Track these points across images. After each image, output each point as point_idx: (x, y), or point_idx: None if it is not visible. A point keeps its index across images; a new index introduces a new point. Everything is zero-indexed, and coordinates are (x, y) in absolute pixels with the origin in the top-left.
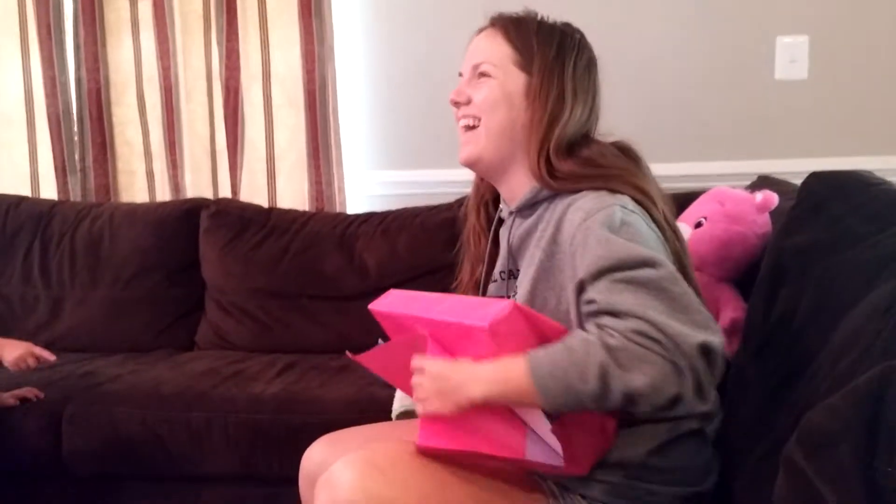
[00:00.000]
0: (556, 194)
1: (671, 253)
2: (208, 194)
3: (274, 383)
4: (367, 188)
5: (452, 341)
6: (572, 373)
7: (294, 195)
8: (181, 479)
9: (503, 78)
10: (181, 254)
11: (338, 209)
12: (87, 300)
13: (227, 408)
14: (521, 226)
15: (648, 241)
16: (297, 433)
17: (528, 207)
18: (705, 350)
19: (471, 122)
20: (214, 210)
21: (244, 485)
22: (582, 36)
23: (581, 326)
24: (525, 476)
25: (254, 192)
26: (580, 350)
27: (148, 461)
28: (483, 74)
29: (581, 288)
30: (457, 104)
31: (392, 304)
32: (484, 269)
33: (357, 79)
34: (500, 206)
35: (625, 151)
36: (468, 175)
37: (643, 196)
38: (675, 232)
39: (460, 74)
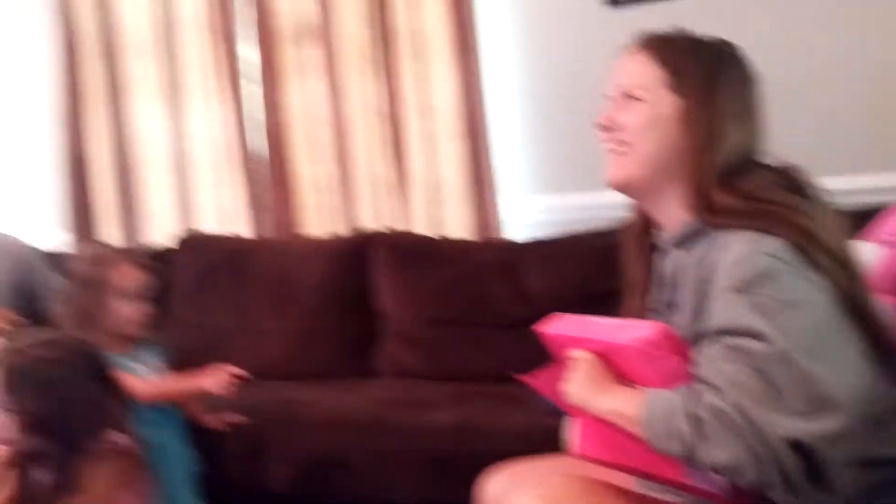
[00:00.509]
0: (713, 228)
1: (838, 294)
2: (379, 226)
3: (451, 412)
4: (531, 214)
5: (611, 360)
6: (663, 429)
7: (458, 225)
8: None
9: (654, 102)
10: (357, 285)
11: (503, 237)
12: (277, 330)
13: (410, 435)
14: (680, 256)
15: (792, 296)
16: (475, 461)
17: (687, 240)
18: (796, 445)
19: (619, 148)
20: (387, 242)
21: None
22: (738, 52)
23: None
24: None
25: (420, 223)
26: (672, 409)
27: (339, 484)
28: (632, 98)
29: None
30: (604, 129)
31: (556, 326)
32: (643, 296)
33: (516, 106)
34: (658, 232)
35: (791, 179)
36: None
37: (805, 238)
38: (848, 267)
39: (607, 97)
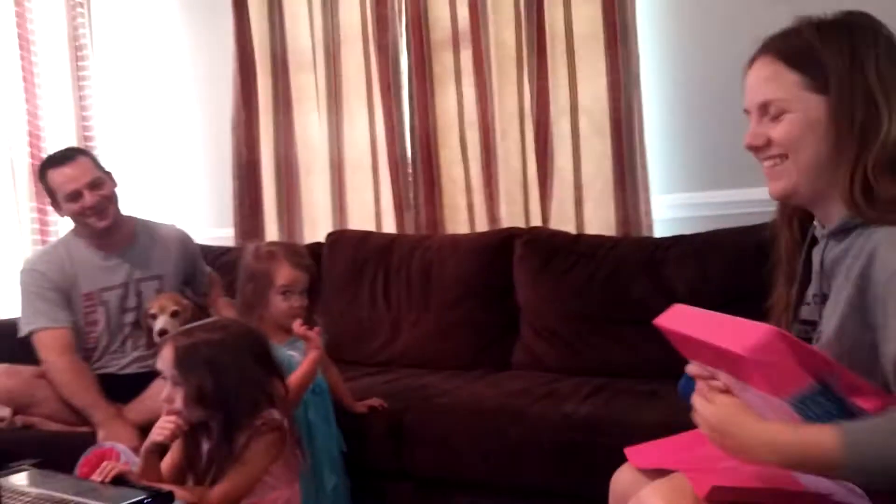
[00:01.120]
0: (875, 221)
1: None
2: (521, 223)
3: (584, 404)
4: (673, 211)
5: (725, 363)
6: (878, 465)
7: (601, 221)
8: (499, 489)
9: (798, 108)
10: (498, 279)
11: (644, 233)
12: (420, 321)
13: (541, 425)
14: (835, 248)
15: None
16: (605, 455)
17: (842, 232)
18: None
19: (777, 163)
20: (527, 238)
21: (557, 500)
22: (870, 20)
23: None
24: None
25: (563, 220)
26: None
27: (472, 470)
28: (777, 112)
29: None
30: (755, 148)
31: (673, 319)
32: (797, 289)
33: (660, 102)
34: (815, 222)
35: None
36: None
37: None
38: None
39: (746, 112)
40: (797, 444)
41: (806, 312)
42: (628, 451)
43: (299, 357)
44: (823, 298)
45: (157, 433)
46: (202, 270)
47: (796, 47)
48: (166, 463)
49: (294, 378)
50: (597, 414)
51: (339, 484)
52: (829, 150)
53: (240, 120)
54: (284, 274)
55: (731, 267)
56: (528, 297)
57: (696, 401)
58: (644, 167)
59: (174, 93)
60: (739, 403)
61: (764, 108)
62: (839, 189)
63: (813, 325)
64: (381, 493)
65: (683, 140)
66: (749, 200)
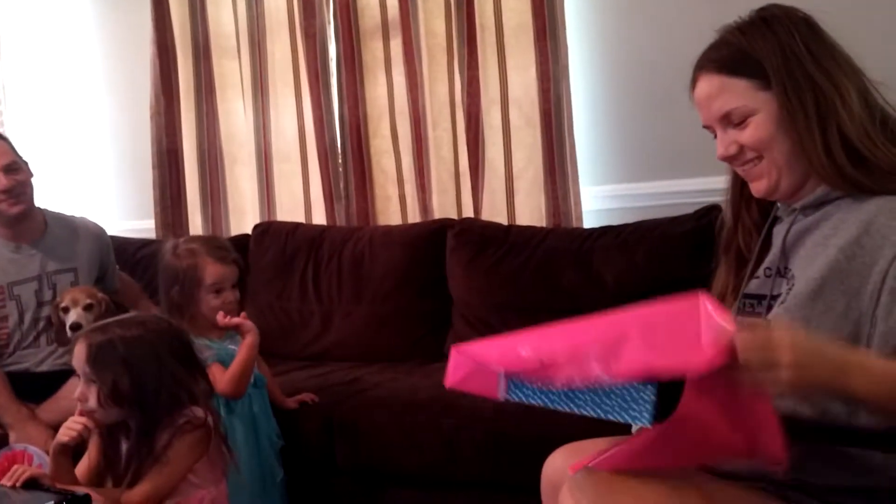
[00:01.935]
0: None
1: None
2: (453, 214)
3: None
4: (603, 202)
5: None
6: None
7: (532, 212)
8: (433, 481)
9: (762, 109)
10: (430, 271)
11: (574, 224)
12: (352, 314)
13: (474, 416)
14: (803, 221)
15: None
16: (538, 444)
17: (814, 206)
18: None
19: (755, 165)
20: (459, 229)
21: (488, 490)
22: (787, 8)
23: (869, 344)
24: (768, 500)
25: (494, 211)
26: None
27: (405, 463)
28: (740, 118)
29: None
30: (731, 158)
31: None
32: (751, 268)
33: (589, 95)
34: (777, 203)
35: None
36: (706, 185)
37: None
38: None
39: (706, 128)
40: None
41: (754, 286)
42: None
43: (235, 348)
44: (780, 272)
45: (63, 434)
46: (114, 265)
47: (731, 55)
48: (84, 465)
49: (234, 366)
50: (530, 405)
51: (283, 476)
52: (796, 140)
53: (159, 107)
54: (212, 271)
55: (657, 256)
56: (460, 287)
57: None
58: (573, 158)
59: (89, 78)
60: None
61: (726, 118)
62: (819, 171)
63: (760, 298)
64: (315, 488)
65: (612, 132)
66: (675, 192)
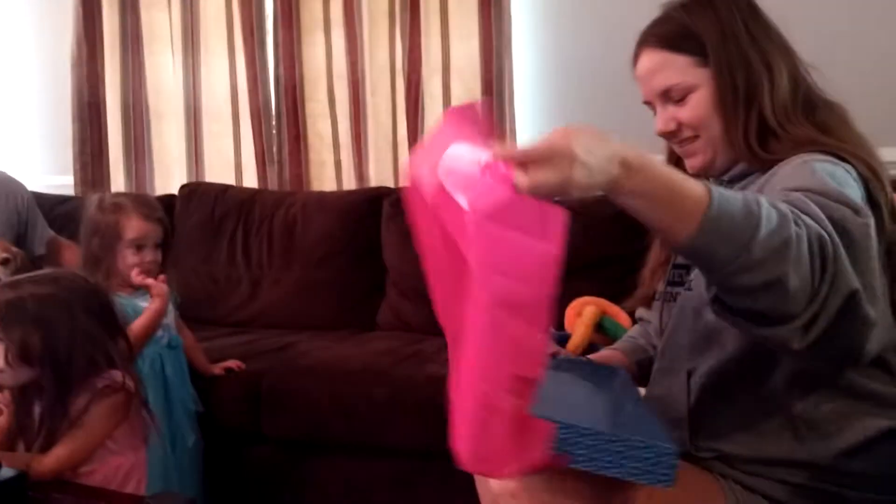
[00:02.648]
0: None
1: (882, 239)
2: (390, 183)
3: (447, 364)
4: None
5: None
6: (741, 222)
7: None
8: (364, 450)
9: (702, 86)
10: (365, 239)
11: None
12: (282, 280)
13: (406, 385)
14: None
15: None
16: None
17: (740, 178)
18: (855, 298)
19: (692, 142)
20: (395, 198)
21: (420, 459)
22: None
23: None
24: (705, 474)
25: None
26: (766, 211)
27: (334, 432)
28: (680, 95)
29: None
30: (669, 135)
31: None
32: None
33: (532, 69)
34: (710, 179)
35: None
36: None
37: (872, 175)
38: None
39: (646, 104)
40: (664, 172)
41: (682, 257)
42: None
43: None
44: None
45: None
46: (36, 226)
47: (673, 32)
48: None
49: (134, 326)
50: None
51: (197, 442)
52: (735, 116)
53: (81, 57)
54: (134, 227)
55: (590, 233)
56: (395, 258)
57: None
58: (513, 131)
59: (5, 23)
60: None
61: (666, 94)
62: (738, 151)
63: (687, 267)
64: (237, 456)
65: (553, 108)
66: None
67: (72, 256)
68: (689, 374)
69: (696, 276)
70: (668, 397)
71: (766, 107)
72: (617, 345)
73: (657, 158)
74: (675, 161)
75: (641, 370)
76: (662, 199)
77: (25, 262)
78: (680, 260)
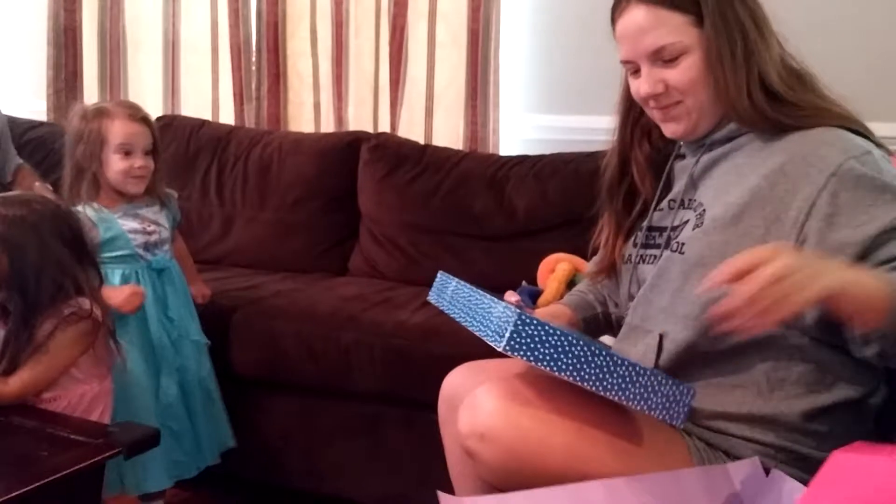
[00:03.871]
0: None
1: None
2: (369, 128)
3: (419, 313)
4: (522, 131)
5: None
6: None
7: (450, 133)
8: (328, 392)
9: (697, 47)
10: (341, 184)
11: (491, 150)
12: (255, 220)
13: (374, 331)
14: (709, 154)
15: None
16: (437, 361)
17: (723, 141)
18: None
19: (674, 107)
20: (374, 144)
21: (384, 404)
22: None
23: None
24: (669, 429)
25: (412, 129)
26: None
27: (300, 372)
28: (672, 55)
29: (879, 241)
30: (655, 97)
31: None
32: (654, 203)
33: (521, 20)
34: (681, 142)
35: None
36: None
37: (867, 132)
38: None
39: (627, 62)
40: (849, 268)
41: (657, 219)
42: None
43: (136, 225)
44: (683, 203)
45: None
46: (6, 153)
47: None
48: None
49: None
50: (430, 323)
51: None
52: (720, 82)
53: None
54: (120, 127)
55: (569, 190)
56: (370, 203)
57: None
58: (497, 84)
59: None
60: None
61: (656, 54)
62: (741, 113)
63: (662, 230)
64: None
65: (539, 62)
66: (596, 128)
67: (32, 180)
68: (662, 337)
69: (690, 241)
70: (635, 353)
71: (765, 66)
72: (565, 299)
73: (856, 276)
74: (631, 125)
75: (588, 326)
76: (857, 308)
77: None
78: (655, 222)
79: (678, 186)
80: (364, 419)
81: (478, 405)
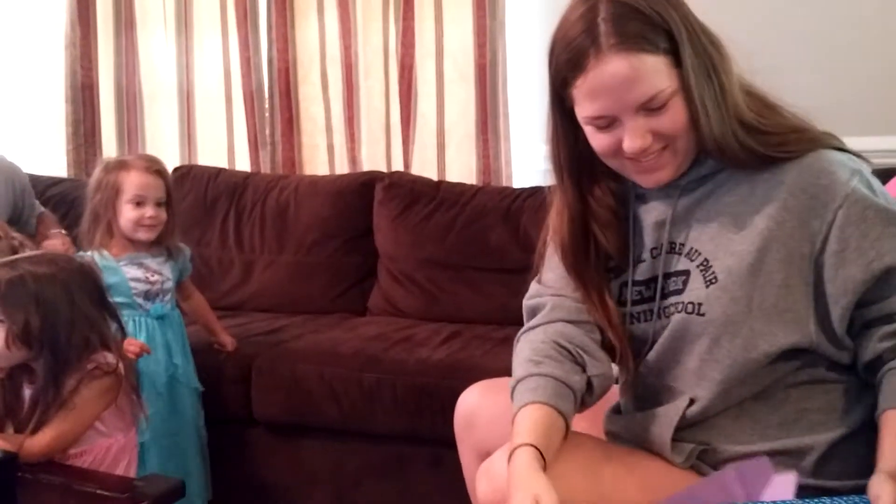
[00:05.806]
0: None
1: None
2: (382, 167)
3: (440, 350)
4: (535, 162)
5: None
6: None
7: (462, 168)
8: (354, 434)
9: (677, 89)
10: (357, 224)
11: (504, 183)
12: (274, 264)
13: (396, 370)
14: (691, 195)
15: None
16: (456, 397)
17: (698, 180)
18: None
19: (661, 156)
20: (388, 182)
21: (410, 444)
22: None
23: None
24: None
25: (424, 166)
26: None
27: (324, 415)
28: (660, 103)
29: (886, 278)
30: (644, 151)
31: None
32: (632, 257)
33: (529, 51)
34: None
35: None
36: None
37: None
38: None
39: (602, 118)
40: None
41: (641, 272)
42: None
43: (139, 273)
44: (672, 248)
45: None
46: (31, 207)
47: (644, 27)
48: None
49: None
50: (452, 359)
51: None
52: (705, 122)
53: (74, 37)
54: (136, 179)
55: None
56: (386, 242)
57: None
58: (507, 117)
59: None
60: None
61: (645, 105)
62: (723, 149)
63: (651, 280)
64: (231, 439)
65: (545, 93)
66: None
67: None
68: (692, 402)
69: (709, 301)
70: (661, 414)
71: (737, 102)
72: (539, 394)
73: None
74: (578, 180)
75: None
76: None
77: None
78: (638, 276)
79: (656, 233)
80: (391, 460)
81: (495, 472)
